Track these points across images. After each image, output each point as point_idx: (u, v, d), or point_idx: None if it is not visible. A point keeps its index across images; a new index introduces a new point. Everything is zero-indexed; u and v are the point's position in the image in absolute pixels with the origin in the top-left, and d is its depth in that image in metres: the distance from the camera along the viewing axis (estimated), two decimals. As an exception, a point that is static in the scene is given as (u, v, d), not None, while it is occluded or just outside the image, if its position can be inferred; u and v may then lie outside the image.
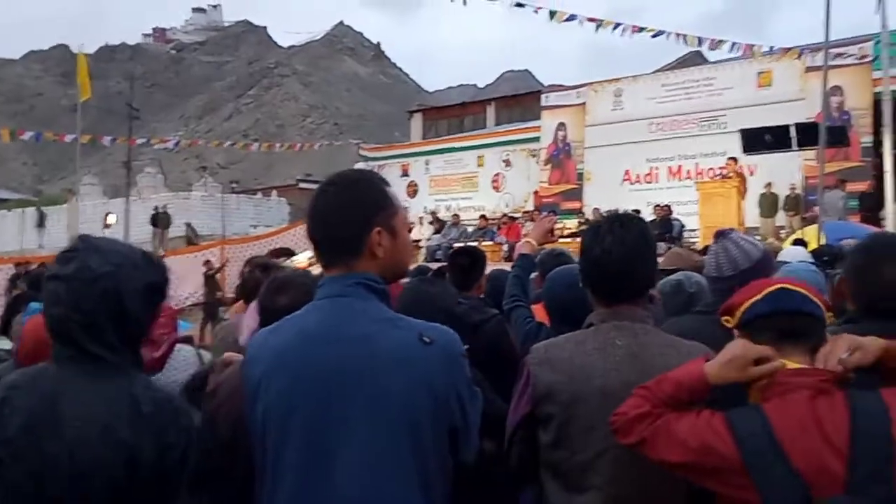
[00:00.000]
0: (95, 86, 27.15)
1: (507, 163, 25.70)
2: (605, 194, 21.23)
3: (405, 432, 1.72)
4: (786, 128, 14.65)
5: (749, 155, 15.76)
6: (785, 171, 16.99)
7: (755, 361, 1.82)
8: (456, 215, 21.92)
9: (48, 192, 58.67)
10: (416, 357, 1.75)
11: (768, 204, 17.87)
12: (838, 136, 14.82)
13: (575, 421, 2.09)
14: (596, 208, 18.62)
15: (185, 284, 21.22)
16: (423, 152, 28.27)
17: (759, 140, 15.13)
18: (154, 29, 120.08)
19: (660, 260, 5.00)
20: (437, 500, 1.79)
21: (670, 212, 17.20)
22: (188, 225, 29.00)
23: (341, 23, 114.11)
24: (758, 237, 14.29)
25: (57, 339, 1.79)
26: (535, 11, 18.54)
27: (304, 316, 1.86)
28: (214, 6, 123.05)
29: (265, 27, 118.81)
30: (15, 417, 1.68)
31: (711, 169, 19.87)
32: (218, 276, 19.29)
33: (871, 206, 16.00)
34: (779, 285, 1.90)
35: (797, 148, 14.64)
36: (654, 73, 24.68)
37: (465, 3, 17.12)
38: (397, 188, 21.97)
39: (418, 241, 20.40)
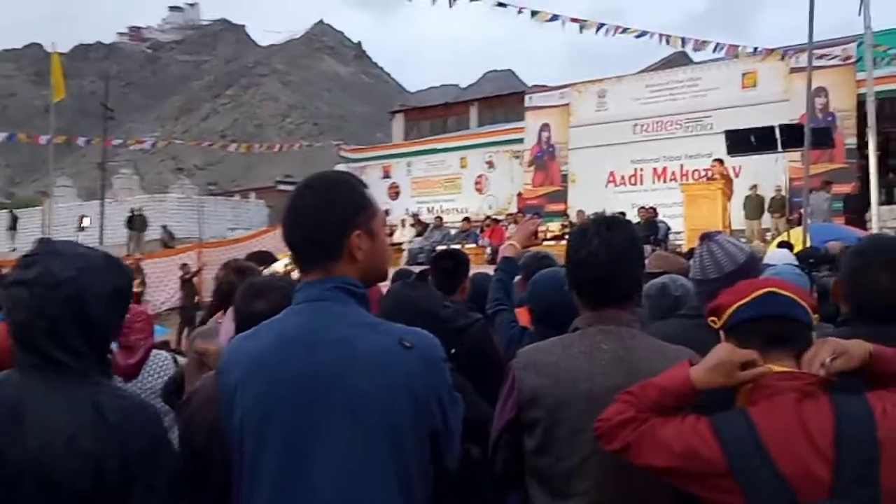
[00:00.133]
0: (69, 85, 26.83)
1: (491, 164, 25.68)
2: (589, 196, 21.22)
3: (385, 437, 1.70)
4: (770, 129, 14.65)
5: (734, 157, 15.74)
6: (770, 172, 16.98)
7: (741, 366, 1.82)
8: (439, 218, 21.88)
9: (21, 195, 58.18)
10: (396, 361, 1.73)
11: (753, 206, 17.92)
12: (823, 137, 14.84)
13: (560, 426, 2.08)
14: (580, 210, 18.58)
15: (161, 288, 21.04)
16: (404, 153, 28.22)
17: (744, 142, 15.12)
18: (129, 27, 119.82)
19: (644, 263, 4.90)
20: None
21: (655, 214, 17.26)
22: (164, 228, 28.79)
23: (321, 21, 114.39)
24: (743, 239, 14.27)
25: (20, 346, 1.76)
26: (519, 12, 18.45)
27: (282, 320, 1.84)
28: (191, 4, 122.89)
29: (243, 26, 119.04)
30: None
31: (696, 170, 19.98)
32: (195, 280, 19.11)
33: (855, 207, 16.09)
34: (767, 289, 1.88)
35: (782, 149, 14.63)
36: (638, 73, 24.79)
37: (450, 5, 16.95)
38: (379, 190, 21.97)
39: (400, 243, 20.31)
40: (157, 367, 4.27)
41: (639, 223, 16.59)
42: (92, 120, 50.94)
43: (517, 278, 3.92)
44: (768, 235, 16.66)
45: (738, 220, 16.98)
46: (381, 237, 1.89)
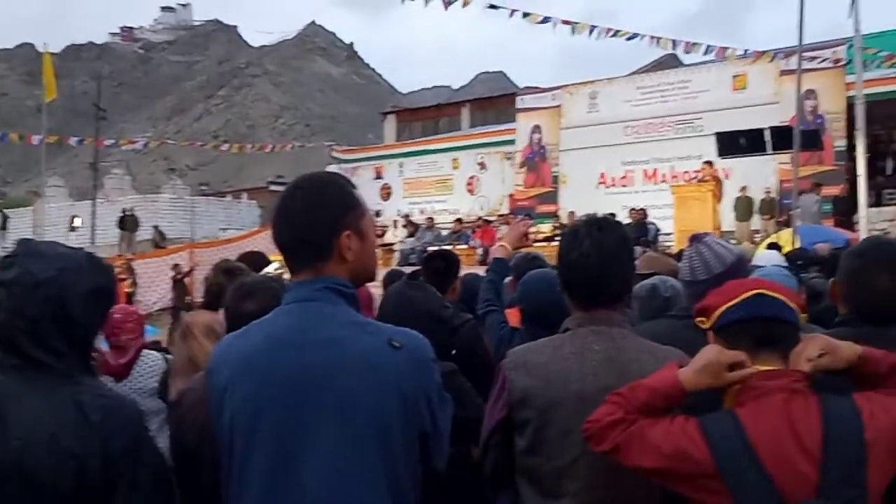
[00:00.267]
0: (61, 85, 26.74)
1: (482, 165, 25.59)
2: (580, 197, 21.12)
3: (374, 437, 1.70)
4: (760, 131, 14.71)
5: (724, 158, 15.79)
6: (760, 174, 17.07)
7: (729, 367, 1.82)
8: (430, 218, 21.85)
9: (12, 195, 57.82)
10: (385, 362, 1.73)
11: (743, 207, 17.92)
12: (812, 139, 14.91)
13: (551, 426, 2.08)
14: (571, 212, 18.56)
15: (153, 289, 21.00)
16: (396, 154, 28.12)
17: (734, 143, 15.17)
18: (121, 28, 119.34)
19: (635, 264, 4.94)
20: None
21: (646, 215, 17.25)
22: (156, 228, 28.69)
23: (313, 23, 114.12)
24: (733, 241, 14.32)
25: (1, 347, 1.73)
26: (510, 14, 18.46)
27: (272, 320, 1.83)
28: (184, 5, 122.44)
29: (236, 26, 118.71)
30: None
31: (687, 172, 19.95)
32: (187, 280, 19.07)
33: (844, 209, 16.14)
34: (756, 290, 1.88)
35: (772, 151, 14.69)
36: (629, 75, 24.79)
37: (446, 7, 16.95)
38: (371, 191, 21.94)
39: (392, 244, 20.28)
40: (148, 368, 4.27)
41: (629, 224, 16.59)
42: (84, 120, 50.81)
43: (508, 279, 3.94)
44: (758, 237, 16.65)
45: (727, 221, 16.96)
46: (370, 237, 1.90)
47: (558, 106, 23.51)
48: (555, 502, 2.07)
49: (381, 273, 6.52)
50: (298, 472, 1.68)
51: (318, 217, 1.80)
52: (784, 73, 18.96)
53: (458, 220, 20.87)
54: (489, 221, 20.56)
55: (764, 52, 20.24)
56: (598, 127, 22.34)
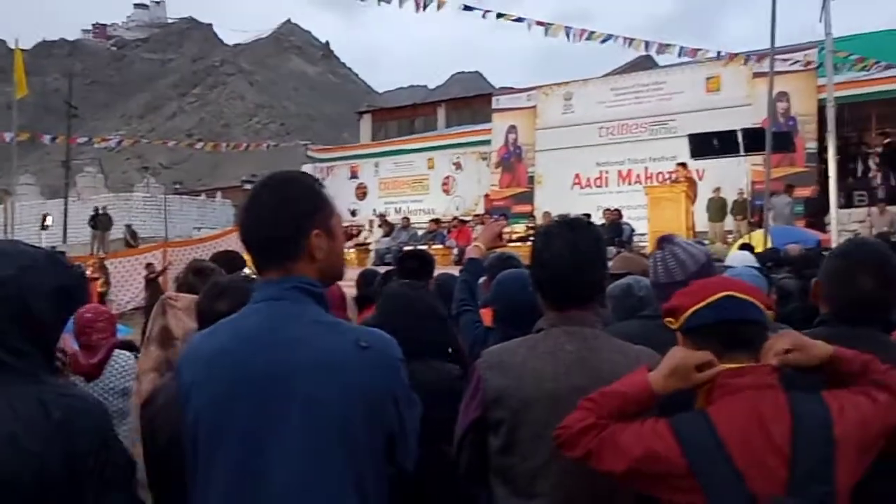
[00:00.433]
0: (32, 83, 26.44)
1: (458, 165, 25.58)
2: (555, 198, 21.21)
3: (338, 437, 1.69)
4: (733, 133, 14.85)
5: (697, 160, 15.90)
6: (733, 175, 17.19)
7: (697, 368, 1.83)
8: (406, 218, 21.81)
9: (-17, 192, 56.93)
10: (351, 361, 1.73)
11: (716, 208, 18.03)
12: (784, 141, 15.06)
13: (525, 426, 2.08)
14: (546, 212, 18.62)
15: (126, 288, 20.81)
16: (372, 154, 28.04)
17: (707, 145, 15.32)
18: (94, 25, 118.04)
19: (609, 264, 4.98)
20: None
21: (620, 216, 17.30)
22: (128, 227, 28.40)
23: (288, 21, 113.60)
24: (706, 241, 14.45)
25: None
26: (483, 15, 18.51)
27: (239, 319, 1.83)
28: (157, 2, 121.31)
29: (210, 24, 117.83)
30: None
31: (661, 173, 20.09)
32: (160, 279, 18.91)
33: (815, 211, 16.29)
34: (724, 293, 1.88)
35: (744, 153, 14.83)
36: (603, 76, 24.85)
37: (421, 9, 16.94)
38: (346, 190, 21.83)
39: (368, 244, 20.24)
40: (120, 368, 4.24)
41: (603, 225, 16.67)
42: (55, 117, 50.19)
43: (482, 279, 3.95)
44: (730, 238, 16.80)
45: (701, 222, 17.09)
46: (339, 237, 1.90)
47: (534, 106, 23.55)
48: (528, 502, 2.07)
49: (356, 273, 6.51)
50: (263, 470, 1.68)
51: (288, 216, 1.80)
52: (756, 75, 19.13)
53: (435, 221, 20.82)
54: (465, 221, 20.54)
55: (737, 55, 20.47)
56: (573, 128, 22.40)
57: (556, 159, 22.61)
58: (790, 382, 1.85)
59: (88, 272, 16.26)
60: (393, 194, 26.49)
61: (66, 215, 31.47)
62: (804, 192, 17.25)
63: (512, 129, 23.83)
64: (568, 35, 18.85)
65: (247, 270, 3.82)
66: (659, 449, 1.76)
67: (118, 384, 4.18)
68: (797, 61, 19.11)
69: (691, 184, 15.82)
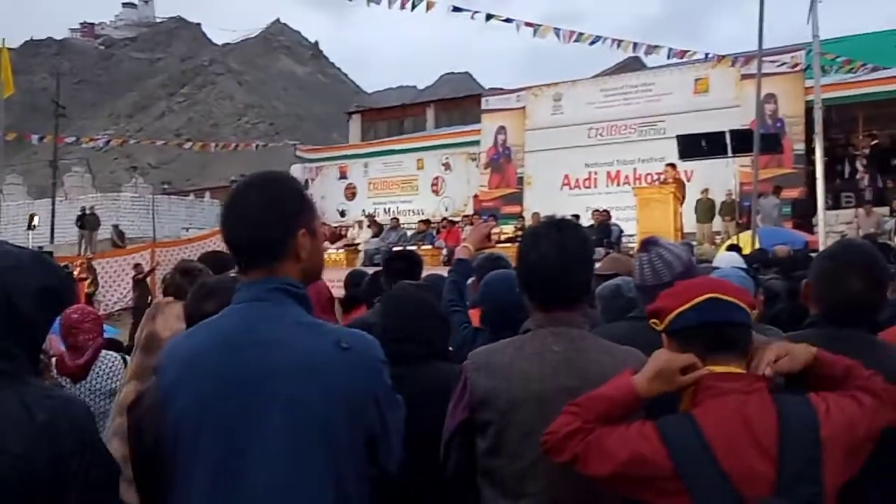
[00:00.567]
0: (19, 81, 26.27)
1: (447, 166, 25.55)
2: (544, 199, 21.21)
3: (318, 438, 1.69)
4: (721, 134, 14.90)
5: (685, 161, 15.94)
6: (721, 177, 17.23)
7: (681, 370, 1.85)
8: (395, 219, 21.81)
9: (-31, 192, 56.56)
10: (331, 363, 1.73)
11: (705, 209, 18.06)
12: (772, 143, 15.12)
13: (512, 427, 2.08)
14: (535, 213, 18.62)
15: (114, 288, 20.74)
16: (361, 154, 27.97)
17: (695, 146, 15.37)
18: (82, 24, 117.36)
19: (598, 265, 4.99)
20: None
21: (609, 217, 17.33)
22: (115, 227, 28.28)
23: (278, 20, 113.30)
24: (694, 242, 14.50)
25: None
26: (472, 17, 18.51)
27: (220, 320, 1.84)
28: (146, 1, 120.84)
29: (199, 24, 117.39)
30: None
31: (650, 174, 20.13)
32: (148, 280, 18.87)
33: (803, 212, 16.35)
34: (708, 295, 1.88)
35: (732, 154, 14.88)
36: (593, 78, 24.84)
37: (406, 8, 16.94)
38: (335, 190, 21.76)
39: (357, 244, 20.22)
40: (107, 369, 4.21)
41: (592, 226, 16.71)
42: (43, 117, 49.95)
43: (470, 280, 3.97)
44: (718, 239, 16.85)
45: (689, 223, 17.13)
46: (320, 237, 1.92)
47: (523, 107, 23.54)
48: (516, 503, 2.08)
49: (343, 273, 6.50)
50: (243, 471, 1.68)
51: (275, 216, 1.80)
52: (745, 77, 19.16)
53: (425, 221, 20.81)
54: (454, 222, 20.57)
55: (724, 56, 20.51)
56: (562, 129, 22.40)
57: (546, 160, 22.61)
58: (776, 385, 1.88)
59: (76, 272, 16.22)
60: (382, 195, 26.45)
61: (53, 215, 31.30)
62: (792, 193, 17.30)
63: (501, 129, 23.81)
64: (558, 35, 18.87)
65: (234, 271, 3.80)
66: (645, 451, 1.76)
67: (105, 385, 4.16)
68: (785, 63, 19.16)
69: (680, 185, 15.86)
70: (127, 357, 4.37)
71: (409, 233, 20.47)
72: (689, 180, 17.42)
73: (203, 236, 24.64)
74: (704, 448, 1.73)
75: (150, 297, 18.01)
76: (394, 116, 32.63)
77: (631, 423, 1.84)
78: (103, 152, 61.57)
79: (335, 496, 1.70)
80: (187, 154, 58.65)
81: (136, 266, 19.60)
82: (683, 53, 19.75)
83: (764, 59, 12.66)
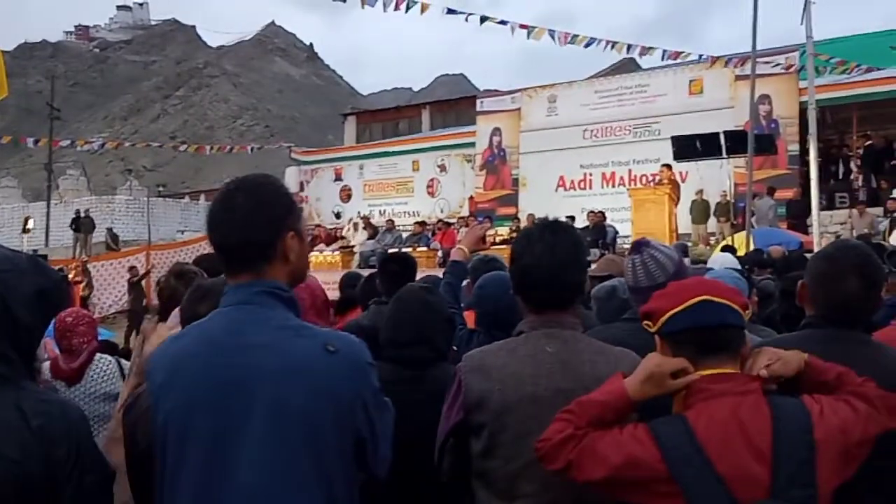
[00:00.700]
0: (14, 84, 26.18)
1: (443, 168, 25.56)
2: (539, 200, 21.23)
3: (304, 441, 1.69)
4: (715, 135, 14.91)
5: (680, 162, 15.96)
6: (716, 178, 17.26)
7: (672, 374, 1.85)
8: (391, 221, 21.79)
9: (-37, 195, 56.45)
10: (318, 365, 1.72)
11: (699, 210, 18.09)
12: (766, 144, 15.14)
13: (506, 429, 2.09)
14: (530, 214, 18.63)
15: (109, 291, 20.70)
16: (356, 156, 27.97)
17: (690, 147, 15.37)
18: (76, 26, 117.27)
19: (593, 266, 4.99)
20: None
21: (604, 218, 17.31)
22: (109, 230, 28.26)
23: (273, 23, 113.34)
24: (689, 243, 14.53)
25: None
26: (466, 19, 18.52)
27: (207, 323, 1.84)
28: (140, 4, 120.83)
29: (194, 26, 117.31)
30: None
31: (644, 175, 20.16)
32: (143, 282, 18.85)
33: (797, 213, 16.40)
34: (701, 297, 1.87)
35: (726, 155, 14.89)
36: (587, 79, 24.85)
37: (407, 10, 16.95)
38: (330, 192, 21.73)
39: (352, 246, 20.20)
40: (101, 372, 4.19)
41: (588, 227, 16.72)
42: (37, 119, 49.91)
43: (465, 282, 3.98)
44: (713, 239, 16.88)
45: (684, 224, 17.14)
46: (305, 238, 1.92)
47: (518, 109, 23.55)
48: None
49: (338, 275, 6.50)
50: (229, 474, 1.68)
51: (264, 218, 1.81)
52: (739, 78, 19.23)
53: (420, 223, 20.81)
54: (449, 224, 20.59)
55: (719, 58, 20.55)
56: (557, 130, 22.41)
57: (541, 162, 22.65)
58: (769, 389, 1.88)
59: (71, 276, 16.19)
60: (377, 196, 26.46)
61: (48, 218, 31.29)
62: (786, 194, 17.32)
63: (496, 131, 23.83)
64: (552, 37, 18.89)
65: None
66: (638, 454, 1.76)
67: (99, 388, 4.14)
68: (779, 64, 19.22)
69: (674, 186, 15.88)
70: (122, 360, 4.37)
71: (405, 235, 20.45)
72: (683, 181, 17.45)
73: (198, 239, 24.58)
74: (698, 450, 1.73)
75: (144, 300, 18.02)
76: (389, 118, 32.63)
77: (624, 426, 1.84)
78: (98, 155, 61.55)
79: (323, 499, 1.70)
80: (182, 157, 58.65)
81: (132, 269, 19.58)
82: (677, 55, 19.78)
83: (758, 60, 12.65)
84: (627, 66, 27.91)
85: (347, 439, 1.75)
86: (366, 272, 5.84)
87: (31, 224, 27.62)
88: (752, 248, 10.48)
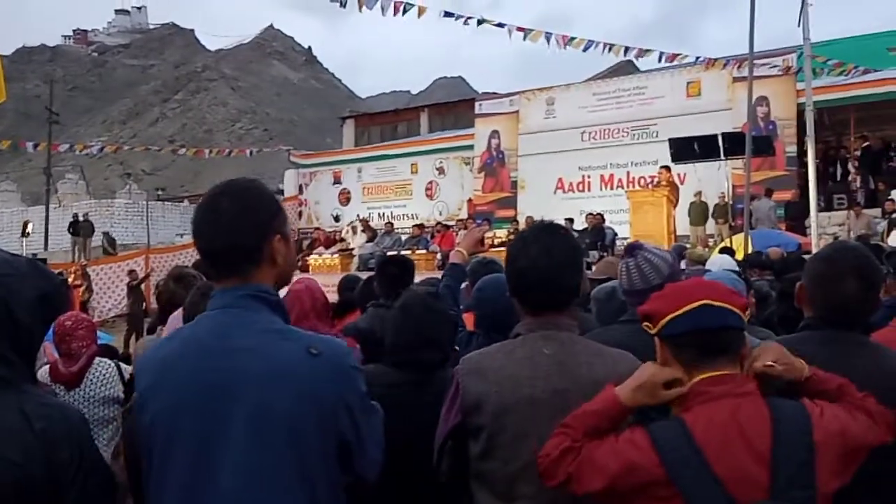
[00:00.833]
0: (12, 88, 26.25)
1: (441, 170, 25.56)
2: (538, 202, 21.28)
3: (287, 443, 1.69)
4: (713, 137, 14.93)
5: (678, 164, 15.99)
6: (714, 179, 17.29)
7: (665, 385, 1.87)
8: (389, 223, 21.82)
9: (-38, 199, 56.42)
10: (301, 368, 1.73)
11: (698, 212, 18.12)
12: (763, 145, 15.18)
13: (504, 431, 2.10)
14: (529, 216, 18.66)
15: (108, 295, 20.71)
16: (355, 159, 27.97)
17: (688, 149, 15.40)
18: (75, 31, 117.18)
19: (593, 269, 4.97)
20: None
21: (603, 220, 17.36)
22: (105, 234, 28.25)
23: (271, 26, 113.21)
24: (688, 245, 14.55)
25: None
26: (465, 23, 18.56)
27: (194, 327, 1.86)
28: (139, 8, 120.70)
29: (192, 30, 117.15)
30: None
31: (643, 177, 20.18)
32: (143, 286, 18.86)
33: (795, 214, 16.42)
34: (702, 301, 1.87)
35: (724, 157, 14.92)
36: (585, 81, 24.89)
37: (404, 13, 16.98)
38: (329, 195, 21.73)
39: (351, 249, 20.24)
40: (101, 376, 4.19)
41: (586, 229, 16.77)
42: (36, 123, 49.90)
43: (464, 284, 4.01)
44: (711, 241, 16.89)
45: (682, 226, 17.16)
46: (291, 241, 1.92)
47: (516, 111, 23.57)
48: None
49: (338, 278, 6.53)
50: (214, 477, 1.68)
51: (251, 222, 1.82)
52: (736, 80, 19.28)
53: (419, 226, 20.84)
54: (448, 226, 20.65)
55: (716, 60, 20.59)
56: (555, 132, 22.43)
57: (539, 164, 22.66)
58: (769, 389, 1.89)
59: (70, 279, 16.18)
60: (376, 199, 26.47)
61: (47, 222, 31.28)
62: (784, 195, 17.36)
63: (495, 133, 23.84)
64: (548, 40, 18.92)
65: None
66: (636, 459, 1.77)
67: (98, 392, 4.15)
68: (776, 66, 19.25)
69: (673, 188, 15.89)
70: (122, 364, 4.38)
71: (404, 237, 20.49)
72: (682, 183, 17.44)
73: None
74: (696, 452, 1.74)
75: (144, 304, 18.02)
76: (387, 121, 32.59)
77: (619, 433, 1.85)
78: (97, 159, 61.51)
79: (305, 501, 1.71)
80: (181, 160, 58.56)
81: (131, 272, 19.58)
82: (674, 57, 19.81)
83: (755, 62, 12.70)
84: (625, 69, 27.95)
85: (331, 442, 1.75)
86: (364, 275, 5.87)
87: (30, 228, 27.59)
88: (751, 249, 10.51)
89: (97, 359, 4.26)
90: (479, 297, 3.48)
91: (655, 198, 15.42)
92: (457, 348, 3.35)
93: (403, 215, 24.91)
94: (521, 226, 18.65)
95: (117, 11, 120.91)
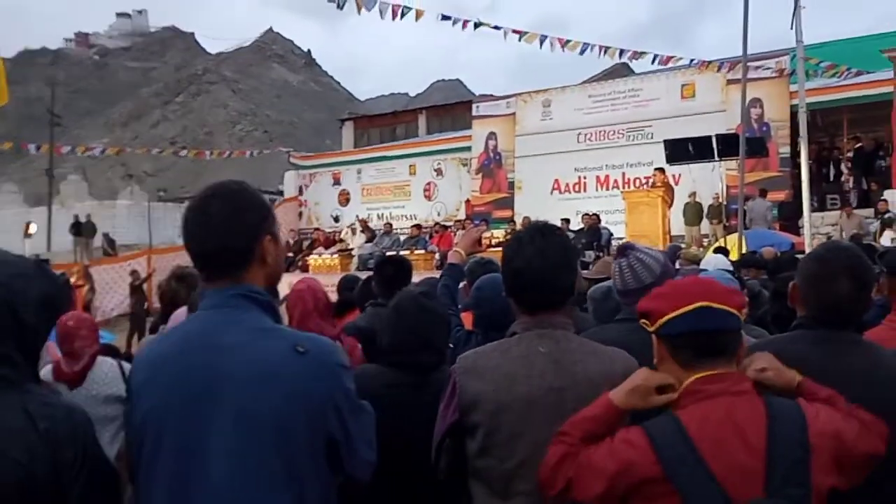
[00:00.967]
0: (15, 91, 26.34)
1: (439, 172, 25.61)
2: (535, 203, 21.35)
3: (274, 441, 1.70)
4: (708, 138, 15.02)
5: (672, 165, 16.10)
6: (708, 180, 17.40)
7: (657, 389, 1.90)
8: (388, 224, 21.90)
9: (-35, 201, 56.46)
10: (288, 366, 1.74)
11: (692, 213, 18.17)
12: (757, 146, 15.24)
13: (501, 429, 2.12)
14: (526, 217, 18.73)
15: (111, 295, 20.85)
16: (354, 161, 28.01)
17: (682, 150, 15.48)
18: (76, 33, 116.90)
19: (590, 268, 5.06)
20: None
21: (599, 221, 17.36)
22: (105, 235, 28.31)
23: (271, 29, 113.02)
24: (683, 245, 14.67)
25: None
26: (463, 27, 18.70)
27: (185, 325, 1.90)
28: (140, 11, 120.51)
29: (192, 33, 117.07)
30: None
31: (638, 178, 20.26)
32: (145, 286, 18.98)
33: (789, 214, 16.52)
34: (700, 303, 1.89)
35: (719, 158, 15.03)
36: (581, 84, 24.89)
37: (402, 16, 17.14)
38: (329, 197, 21.75)
39: (351, 249, 20.34)
40: (103, 375, 4.17)
41: (582, 229, 16.86)
42: (38, 125, 49.90)
43: (462, 284, 4.04)
44: (706, 241, 16.96)
45: (677, 226, 17.19)
46: (281, 242, 1.94)
47: (513, 113, 23.63)
48: (506, 502, 2.12)
49: (337, 277, 6.66)
50: (203, 474, 1.69)
51: (241, 223, 1.83)
52: (730, 82, 19.29)
53: (417, 226, 20.94)
54: (446, 227, 20.70)
55: (710, 62, 20.68)
56: (551, 134, 22.50)
57: (536, 165, 22.73)
58: (764, 389, 1.93)
59: (73, 280, 16.32)
60: (375, 200, 26.52)
61: (49, 223, 31.39)
62: (778, 196, 17.42)
63: (492, 135, 23.90)
64: (542, 44, 19.06)
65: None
66: (633, 458, 1.78)
67: (101, 391, 4.11)
68: (769, 68, 19.31)
69: (668, 189, 15.97)
70: (124, 363, 4.46)
71: (402, 238, 20.55)
72: (676, 184, 17.49)
73: (198, 243, 24.64)
74: (691, 449, 1.75)
75: (146, 304, 18.15)
76: (386, 123, 32.59)
77: (615, 435, 1.86)
78: (99, 160, 61.48)
79: (293, 499, 1.72)
80: (182, 162, 58.64)
81: (133, 273, 19.65)
82: (669, 59, 19.92)
83: (749, 64, 12.77)
84: (620, 71, 27.95)
85: (319, 440, 1.76)
86: (364, 275, 5.89)
87: (32, 229, 27.73)
88: (745, 249, 10.64)
89: (99, 358, 4.28)
90: (478, 296, 3.51)
91: (651, 198, 15.42)
92: (451, 346, 3.35)
93: (402, 216, 24.95)
94: (518, 226, 18.76)
95: (118, 15, 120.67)
